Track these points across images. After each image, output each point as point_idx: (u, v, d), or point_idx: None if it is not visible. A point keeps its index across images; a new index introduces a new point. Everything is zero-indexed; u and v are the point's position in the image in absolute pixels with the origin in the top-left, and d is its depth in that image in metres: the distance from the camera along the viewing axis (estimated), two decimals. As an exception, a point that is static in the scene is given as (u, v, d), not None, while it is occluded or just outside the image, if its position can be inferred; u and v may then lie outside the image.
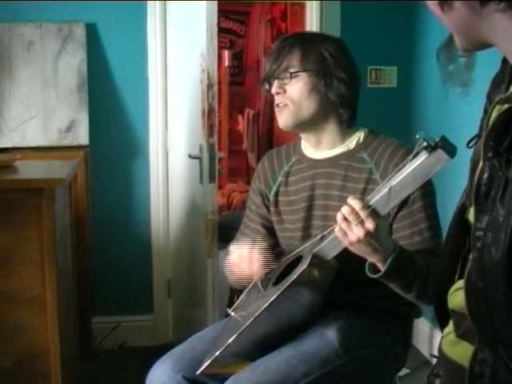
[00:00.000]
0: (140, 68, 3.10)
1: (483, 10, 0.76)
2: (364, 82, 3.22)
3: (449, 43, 0.86)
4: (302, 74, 1.60)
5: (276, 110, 1.64)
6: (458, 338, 0.90)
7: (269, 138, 5.88)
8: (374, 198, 1.31)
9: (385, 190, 1.28)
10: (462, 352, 0.88)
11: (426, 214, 1.55)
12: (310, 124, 1.63)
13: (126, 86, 3.11)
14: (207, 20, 2.45)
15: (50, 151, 2.91)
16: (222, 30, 5.63)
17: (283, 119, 1.63)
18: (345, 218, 1.32)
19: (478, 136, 0.88)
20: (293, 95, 1.61)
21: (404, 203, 1.48)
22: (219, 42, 5.36)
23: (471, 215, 0.86)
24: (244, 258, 1.57)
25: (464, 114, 2.57)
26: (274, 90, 1.63)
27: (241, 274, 1.59)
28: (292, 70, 1.60)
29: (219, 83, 3.95)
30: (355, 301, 1.64)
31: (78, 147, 2.96)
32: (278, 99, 1.63)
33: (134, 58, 3.09)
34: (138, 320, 3.22)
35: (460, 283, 0.89)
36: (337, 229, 1.36)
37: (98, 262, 3.11)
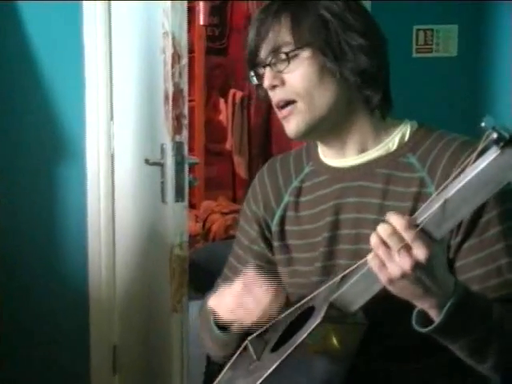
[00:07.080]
0: (71, 30, 3.13)
1: None
2: (408, 50, 3.27)
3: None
4: (301, 51, 1.61)
5: (279, 113, 1.66)
6: None
7: (265, 132, 5.88)
8: (423, 216, 1.33)
9: (437, 205, 1.31)
10: None
11: (507, 244, 1.55)
12: (330, 123, 1.65)
13: (51, 59, 3.12)
14: (171, -44, 2.49)
15: None
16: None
17: (293, 125, 1.64)
18: (383, 242, 1.34)
19: None
20: (297, 86, 1.62)
21: (472, 228, 1.54)
22: (191, -8, 5.33)
23: None
24: (236, 296, 1.59)
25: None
26: (266, 83, 1.64)
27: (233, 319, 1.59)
28: (286, 49, 1.61)
29: (191, 52, 3.92)
30: (394, 374, 1.62)
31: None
32: (276, 95, 1.64)
33: (62, 17, 3.11)
34: (68, 408, 3.24)
35: None
36: (370, 257, 1.37)
37: (7, 323, 3.09)
